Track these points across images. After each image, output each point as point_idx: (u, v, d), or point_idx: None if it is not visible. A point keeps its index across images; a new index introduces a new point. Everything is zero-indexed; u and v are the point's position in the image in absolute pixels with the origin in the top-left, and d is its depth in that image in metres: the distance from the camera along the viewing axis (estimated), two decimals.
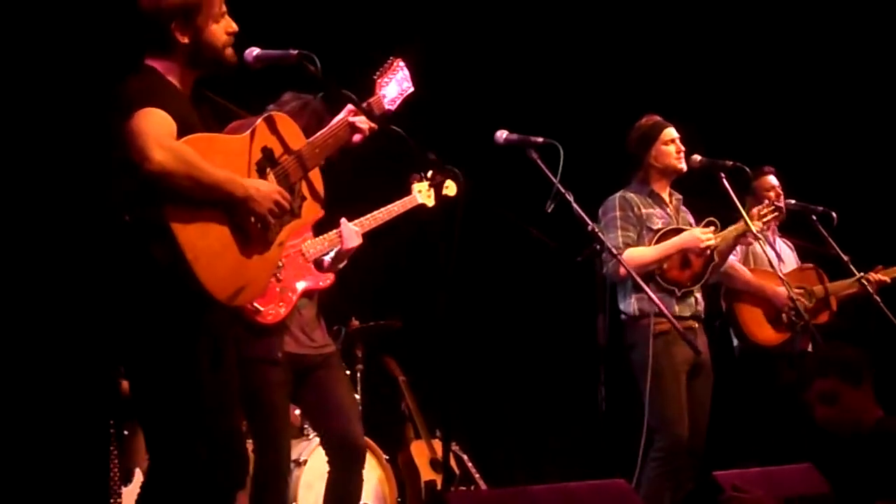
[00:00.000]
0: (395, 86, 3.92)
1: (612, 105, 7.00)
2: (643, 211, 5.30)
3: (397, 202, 4.85)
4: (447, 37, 7.09)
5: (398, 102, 3.92)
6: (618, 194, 5.36)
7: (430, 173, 4.86)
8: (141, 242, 3.10)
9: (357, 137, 3.76)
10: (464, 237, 3.55)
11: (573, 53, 7.49)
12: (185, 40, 3.27)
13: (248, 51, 3.47)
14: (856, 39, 7.51)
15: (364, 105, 3.75)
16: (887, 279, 6.09)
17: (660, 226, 5.29)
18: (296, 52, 3.43)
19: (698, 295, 5.35)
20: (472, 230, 3.75)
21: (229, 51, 3.36)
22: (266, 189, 3.27)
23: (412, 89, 3.96)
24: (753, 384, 6.02)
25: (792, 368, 5.92)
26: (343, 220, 4.65)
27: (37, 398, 5.56)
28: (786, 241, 6.29)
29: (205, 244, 3.14)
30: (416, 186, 4.94)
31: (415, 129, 3.70)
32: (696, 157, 5.37)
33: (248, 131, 3.35)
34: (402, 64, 3.97)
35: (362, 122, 3.75)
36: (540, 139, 4.18)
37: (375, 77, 3.91)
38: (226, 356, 3.37)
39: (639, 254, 5.17)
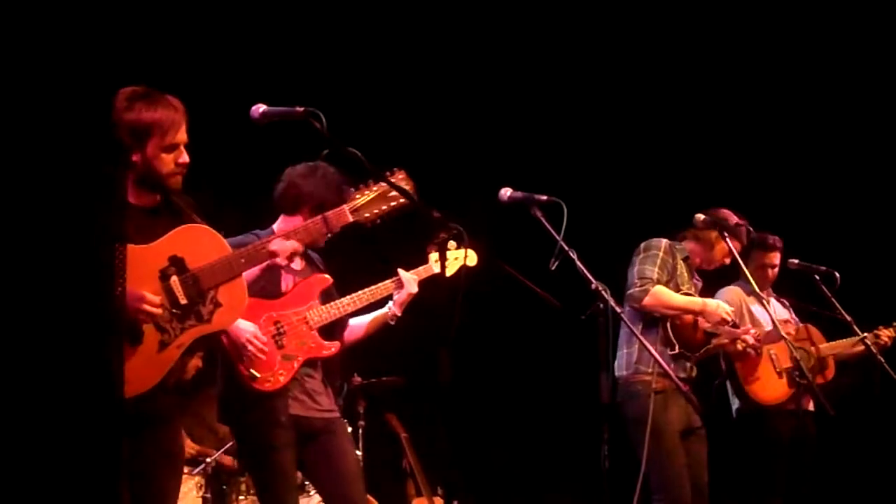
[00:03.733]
0: (377, 198, 3.90)
1: (617, 163, 7.05)
2: (679, 267, 5.37)
3: (413, 270, 4.84)
4: (452, 95, 7.15)
5: (382, 214, 3.93)
6: (666, 240, 5.46)
7: (435, 235, 4.85)
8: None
9: (279, 260, 3.82)
10: (467, 294, 3.55)
11: (576, 112, 7.53)
12: (136, 159, 3.44)
13: (254, 107, 3.50)
14: (857, 100, 7.57)
15: (319, 217, 3.91)
16: (893, 333, 6.11)
17: (684, 289, 5.37)
18: (301, 108, 3.45)
19: (692, 363, 5.39)
20: (475, 287, 3.75)
21: (174, 179, 3.50)
22: (129, 296, 3.28)
23: (404, 203, 3.90)
24: (752, 445, 6.00)
25: (794, 427, 5.91)
26: (400, 269, 4.69)
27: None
28: (781, 300, 6.30)
29: None
30: (432, 256, 4.93)
31: (420, 186, 3.73)
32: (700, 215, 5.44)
33: (158, 241, 3.45)
34: (401, 175, 3.94)
35: (283, 247, 3.80)
36: (544, 197, 4.19)
37: (354, 189, 3.97)
38: (157, 442, 3.48)
39: (668, 295, 5.24)
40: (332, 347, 4.51)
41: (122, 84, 3.43)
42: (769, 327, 5.90)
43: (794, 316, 6.28)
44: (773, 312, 6.10)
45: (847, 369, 6.20)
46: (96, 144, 2.56)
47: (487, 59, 7.32)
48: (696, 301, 5.33)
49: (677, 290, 5.33)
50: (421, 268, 4.86)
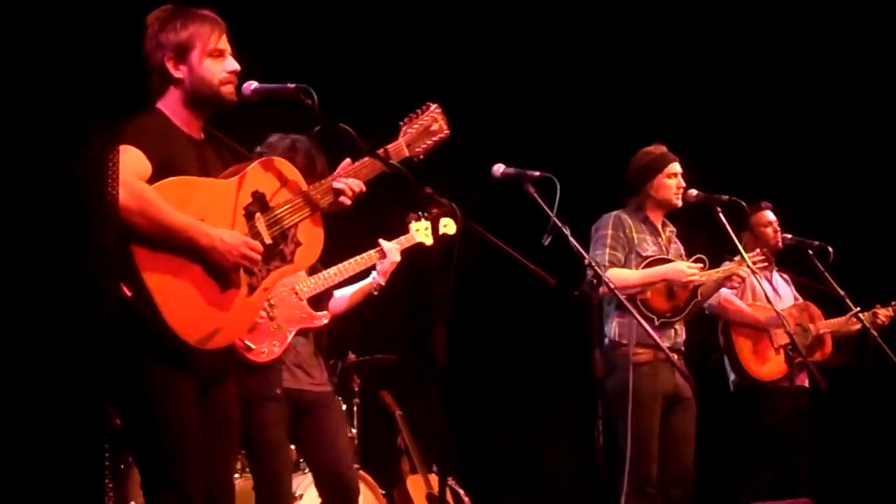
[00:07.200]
0: (423, 132, 3.76)
1: (609, 138, 7.03)
2: (636, 235, 5.31)
3: (396, 240, 4.85)
4: (444, 70, 7.13)
5: (428, 149, 3.77)
6: (613, 213, 5.37)
7: (427, 210, 4.84)
8: (114, 280, 3.09)
9: (343, 199, 3.55)
10: (460, 271, 3.55)
11: (570, 87, 7.52)
12: (180, 75, 3.35)
13: (245, 84, 3.48)
14: (853, 74, 7.56)
15: (381, 151, 3.64)
16: (890, 313, 6.13)
17: (650, 253, 5.28)
18: (293, 85, 3.44)
19: (678, 327, 5.31)
20: (468, 263, 3.75)
21: (227, 88, 3.40)
22: (231, 240, 3.24)
23: (445, 135, 3.82)
24: (747, 420, 6.01)
25: (790, 403, 5.93)
26: (381, 239, 4.69)
27: (28, 427, 5.51)
28: (782, 275, 6.30)
29: (176, 287, 3.14)
30: (413, 225, 4.94)
31: (411, 162, 3.71)
32: (693, 192, 5.37)
33: (238, 175, 3.36)
34: (438, 110, 3.82)
35: (351, 184, 3.57)
36: (536, 173, 4.18)
37: (402, 123, 3.78)
38: (219, 398, 3.39)
39: (622, 276, 5.14)
40: (322, 317, 4.53)
41: (111, 63, 3.40)
42: (775, 301, 5.87)
43: (795, 291, 6.28)
44: (776, 286, 6.13)
45: (842, 346, 6.21)
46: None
47: (479, 33, 7.31)
48: (654, 272, 5.20)
49: (640, 259, 5.27)
50: (403, 237, 4.88)
